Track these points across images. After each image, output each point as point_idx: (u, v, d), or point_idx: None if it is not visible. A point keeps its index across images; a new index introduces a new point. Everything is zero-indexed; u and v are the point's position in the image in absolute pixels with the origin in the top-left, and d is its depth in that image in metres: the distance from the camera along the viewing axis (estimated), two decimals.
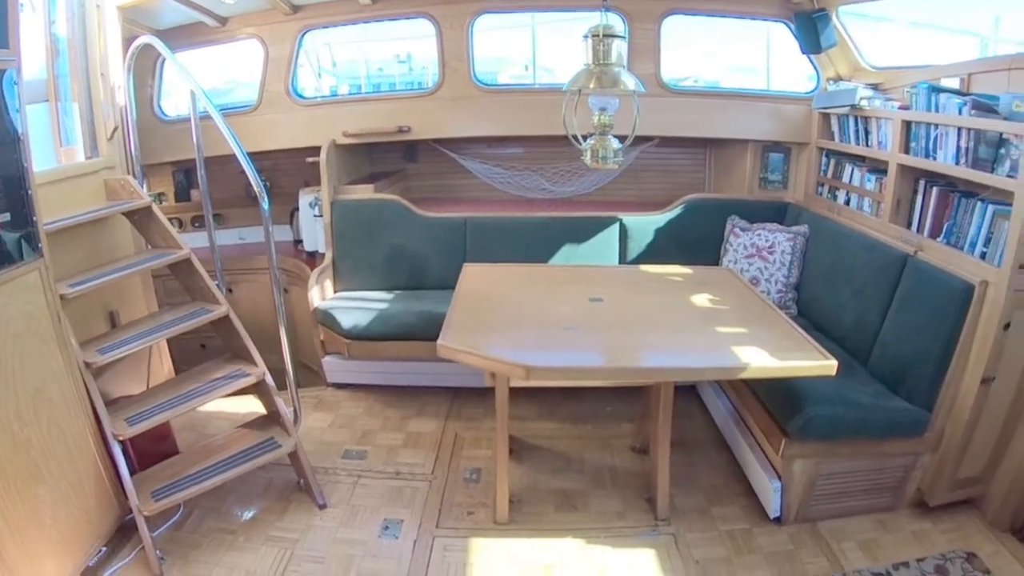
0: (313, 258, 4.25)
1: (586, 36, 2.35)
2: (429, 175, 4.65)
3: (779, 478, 2.71)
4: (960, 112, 2.72)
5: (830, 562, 2.55)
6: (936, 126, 2.88)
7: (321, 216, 4.01)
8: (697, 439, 3.39)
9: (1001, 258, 2.51)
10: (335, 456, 3.23)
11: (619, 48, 2.38)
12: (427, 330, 3.17)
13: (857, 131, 3.49)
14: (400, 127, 3.99)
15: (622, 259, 4.01)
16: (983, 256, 2.64)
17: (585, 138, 2.56)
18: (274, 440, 2.79)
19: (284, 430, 2.83)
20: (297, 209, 4.34)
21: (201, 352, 3.34)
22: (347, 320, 3.57)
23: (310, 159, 3.94)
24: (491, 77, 4.45)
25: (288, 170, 4.60)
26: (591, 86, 2.37)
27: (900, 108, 3.13)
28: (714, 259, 3.95)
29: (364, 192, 4.04)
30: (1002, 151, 2.58)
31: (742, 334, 2.53)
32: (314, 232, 4.18)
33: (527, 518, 2.80)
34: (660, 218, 4.03)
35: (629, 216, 4.02)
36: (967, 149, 2.70)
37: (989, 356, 2.51)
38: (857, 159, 3.58)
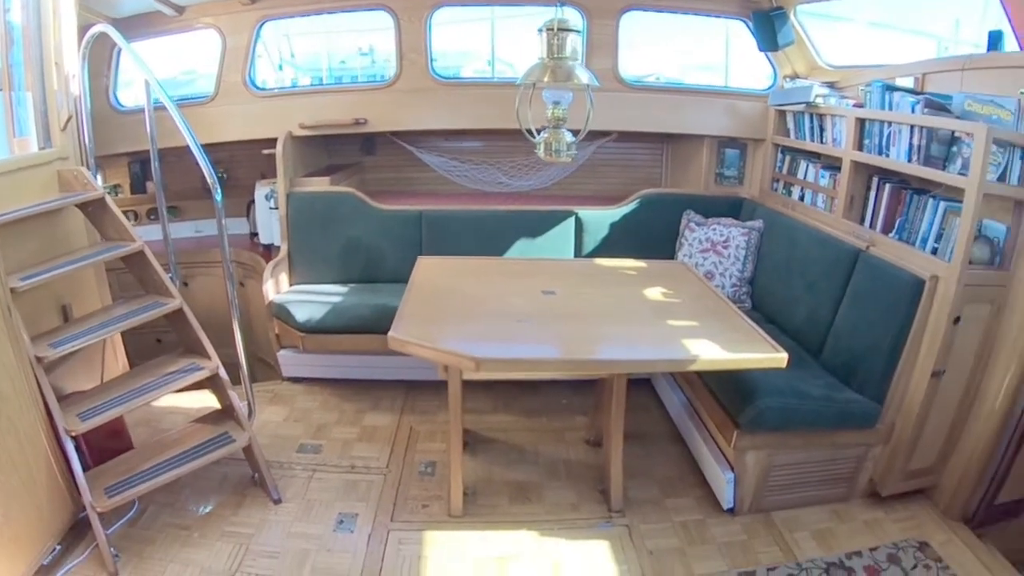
0: (269, 251, 4.22)
1: (540, 30, 2.36)
2: (386, 168, 4.63)
3: (732, 469, 2.75)
4: (913, 110, 2.77)
5: (783, 552, 2.59)
6: (889, 124, 2.93)
7: (277, 208, 3.98)
8: (652, 432, 3.42)
9: (952, 253, 2.57)
10: (290, 450, 3.20)
11: (574, 42, 2.38)
12: (381, 323, 3.16)
13: (812, 128, 3.54)
14: (357, 119, 3.96)
15: (577, 253, 4.03)
16: (934, 252, 2.71)
17: (539, 131, 2.57)
18: (228, 435, 2.77)
19: (239, 424, 2.81)
20: (253, 202, 4.30)
21: (157, 347, 3.29)
22: (301, 313, 3.54)
23: (266, 151, 3.91)
24: (454, 71, 4.44)
25: (244, 162, 4.55)
26: (545, 80, 2.38)
27: (855, 106, 3.18)
28: (669, 253, 3.98)
29: (320, 184, 4.01)
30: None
31: (694, 327, 2.56)
32: (270, 225, 4.15)
33: (481, 510, 2.81)
34: (616, 212, 4.06)
35: (585, 210, 4.04)
36: (919, 147, 2.76)
37: (939, 350, 2.56)
38: (812, 156, 3.63)
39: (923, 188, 2.85)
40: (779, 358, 2.34)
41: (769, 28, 3.45)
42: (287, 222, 3.93)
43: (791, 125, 3.78)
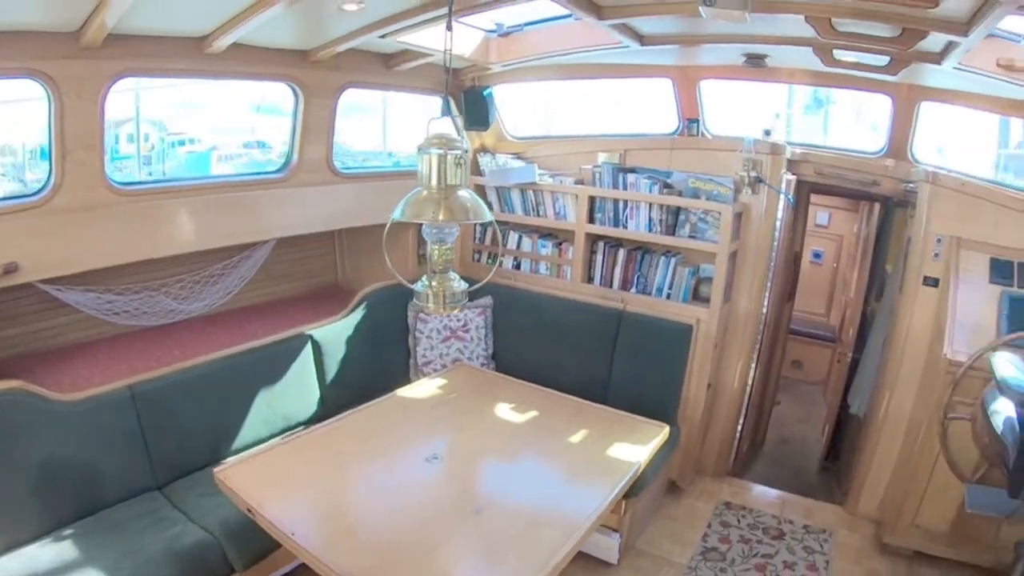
0: None
1: (424, 151, 1.88)
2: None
3: (616, 531, 2.98)
4: (651, 190, 3.39)
5: (671, 567, 3.03)
6: (626, 203, 3.49)
7: None
8: None
9: (685, 295, 3.41)
10: None
11: (464, 162, 1.93)
12: None
13: (525, 203, 3.82)
14: (5, 266, 2.31)
15: (322, 382, 3.38)
16: (668, 296, 3.47)
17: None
18: None
19: None
20: None
21: None
22: None
23: None
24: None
25: None
26: (440, 218, 1.91)
27: (576, 183, 3.63)
28: (404, 352, 3.78)
29: None
30: (681, 217, 3.37)
31: (589, 436, 2.73)
32: None
33: None
34: (347, 323, 3.54)
35: (317, 329, 3.40)
36: (661, 220, 3.41)
37: (710, 370, 3.40)
38: (522, 227, 3.92)
39: (642, 247, 3.55)
40: (664, 432, 2.78)
41: (482, 107, 3.47)
42: None
43: (493, 199, 3.91)
